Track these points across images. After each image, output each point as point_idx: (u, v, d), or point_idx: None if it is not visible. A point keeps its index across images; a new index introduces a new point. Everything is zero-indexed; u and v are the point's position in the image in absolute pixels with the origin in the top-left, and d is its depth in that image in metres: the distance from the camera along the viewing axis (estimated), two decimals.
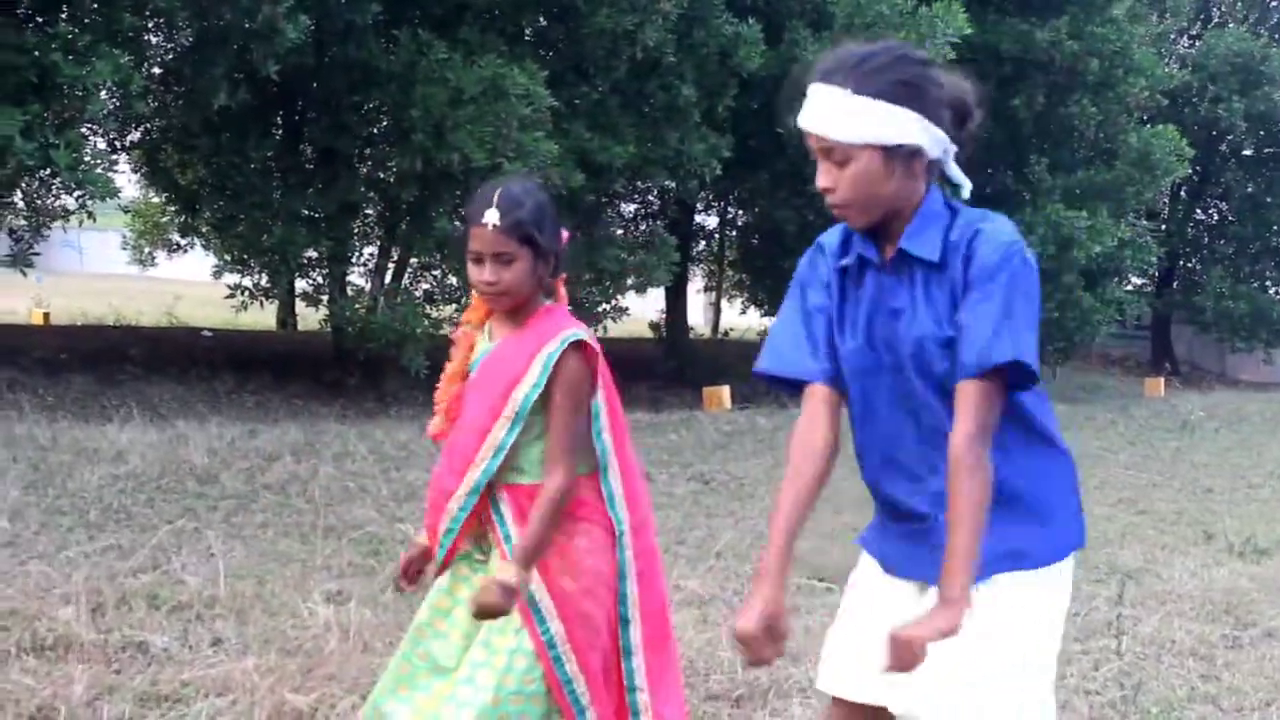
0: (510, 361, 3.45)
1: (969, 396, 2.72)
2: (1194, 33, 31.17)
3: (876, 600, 3.02)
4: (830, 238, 2.98)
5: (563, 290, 3.60)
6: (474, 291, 3.53)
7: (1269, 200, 30.68)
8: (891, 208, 2.81)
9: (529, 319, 3.48)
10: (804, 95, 2.80)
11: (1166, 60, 27.19)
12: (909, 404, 2.87)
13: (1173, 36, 29.11)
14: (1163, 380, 25.88)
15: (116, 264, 36.70)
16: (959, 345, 2.75)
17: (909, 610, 2.84)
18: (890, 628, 2.66)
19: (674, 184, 17.54)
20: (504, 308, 3.48)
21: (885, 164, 2.75)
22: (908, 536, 2.97)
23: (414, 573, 3.67)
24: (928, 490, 2.88)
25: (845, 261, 2.92)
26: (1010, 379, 2.75)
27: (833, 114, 2.74)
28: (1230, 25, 30.24)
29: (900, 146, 2.75)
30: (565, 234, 3.55)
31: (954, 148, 2.87)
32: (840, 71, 2.75)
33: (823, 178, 2.80)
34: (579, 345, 3.43)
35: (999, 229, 2.79)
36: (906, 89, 2.76)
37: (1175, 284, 31.90)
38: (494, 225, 3.37)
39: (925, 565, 2.87)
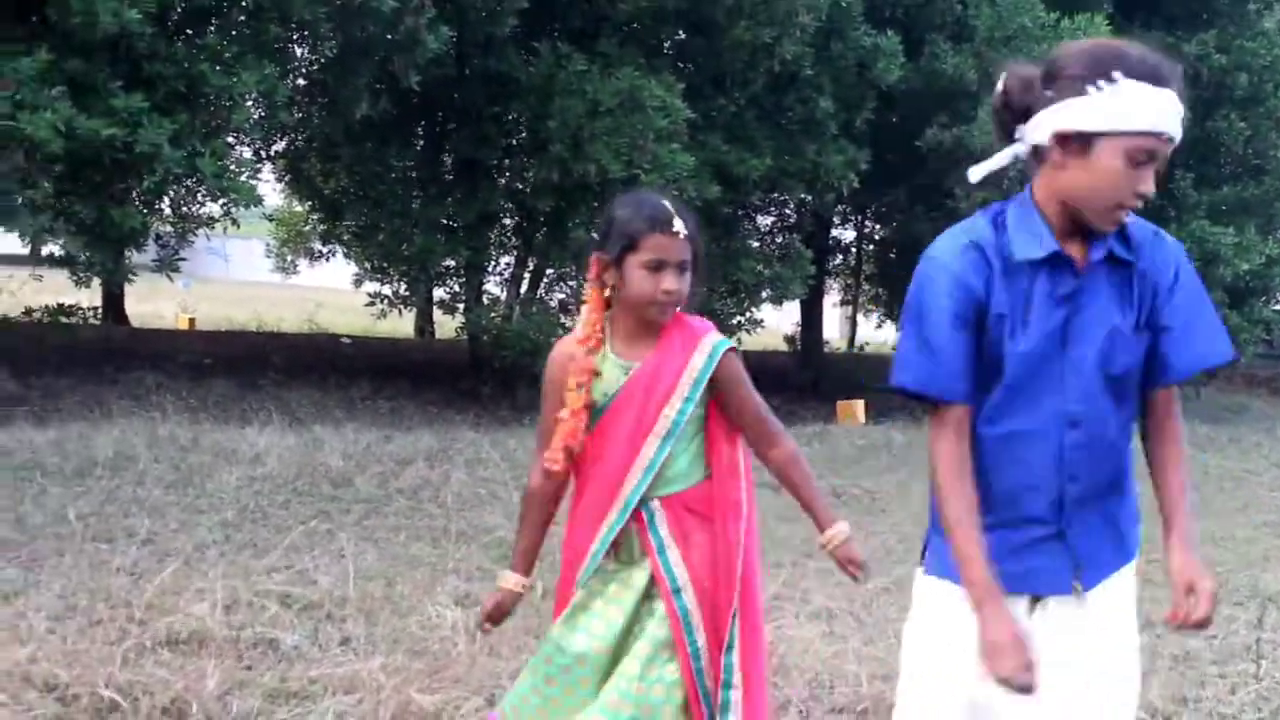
0: (661, 379, 3.43)
1: (1173, 398, 2.95)
2: None
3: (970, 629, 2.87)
4: (980, 235, 2.87)
5: None
6: (589, 310, 3.53)
7: None
8: None
9: (664, 331, 3.47)
10: (1145, 98, 2.71)
11: None
12: (1069, 407, 2.85)
13: None
14: None
15: (260, 271, 37.43)
16: (1172, 346, 2.85)
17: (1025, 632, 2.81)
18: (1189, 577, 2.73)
19: (810, 197, 17.45)
20: (667, 319, 3.46)
21: None
22: (1025, 547, 2.90)
23: (499, 617, 3.71)
24: (1066, 496, 2.87)
25: (1033, 256, 2.82)
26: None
27: (1179, 118, 2.75)
28: None
29: None
30: None
31: None
32: (1175, 76, 2.75)
33: (1151, 184, 2.76)
34: (731, 350, 3.48)
35: (1164, 232, 2.90)
36: None
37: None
38: (684, 233, 3.39)
39: (1046, 577, 2.89)
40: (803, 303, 21.78)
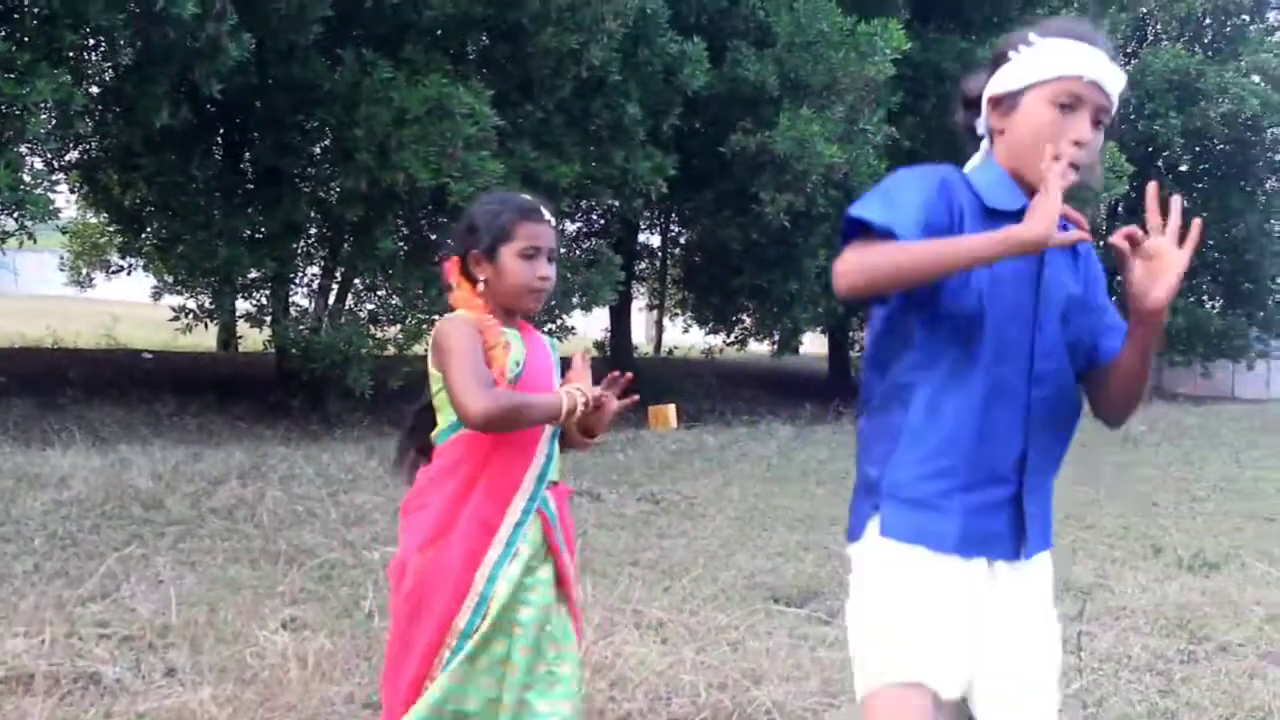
0: (548, 358, 3.59)
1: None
2: (1130, 50, 31.54)
3: (950, 591, 2.85)
4: (950, 176, 2.87)
5: None
6: (469, 297, 3.51)
7: (1204, 216, 30.78)
8: None
9: (521, 323, 3.57)
10: (1064, 50, 2.82)
11: None
12: (1036, 363, 2.88)
13: (1110, 54, 29.37)
14: None
15: (53, 285, 36.30)
16: (1110, 326, 2.98)
17: (983, 597, 2.85)
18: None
19: (619, 203, 17.53)
20: (539, 308, 3.54)
21: None
22: (989, 509, 2.87)
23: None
24: (1029, 456, 2.87)
25: (1006, 207, 2.84)
26: None
27: (1118, 81, 2.86)
28: (1165, 43, 30.64)
29: None
30: None
31: None
32: (1099, 41, 2.86)
33: (1087, 130, 2.81)
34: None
35: None
36: None
37: (1114, 299, 32.15)
38: (552, 221, 3.52)
39: (1002, 542, 2.88)
40: (611, 308, 21.84)
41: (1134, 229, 2.74)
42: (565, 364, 3.63)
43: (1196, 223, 2.67)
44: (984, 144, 2.99)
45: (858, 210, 2.75)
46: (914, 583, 2.86)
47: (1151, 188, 2.73)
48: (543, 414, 3.39)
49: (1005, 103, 2.87)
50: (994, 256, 2.64)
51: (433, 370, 3.42)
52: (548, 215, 3.51)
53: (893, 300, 2.86)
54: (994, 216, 2.82)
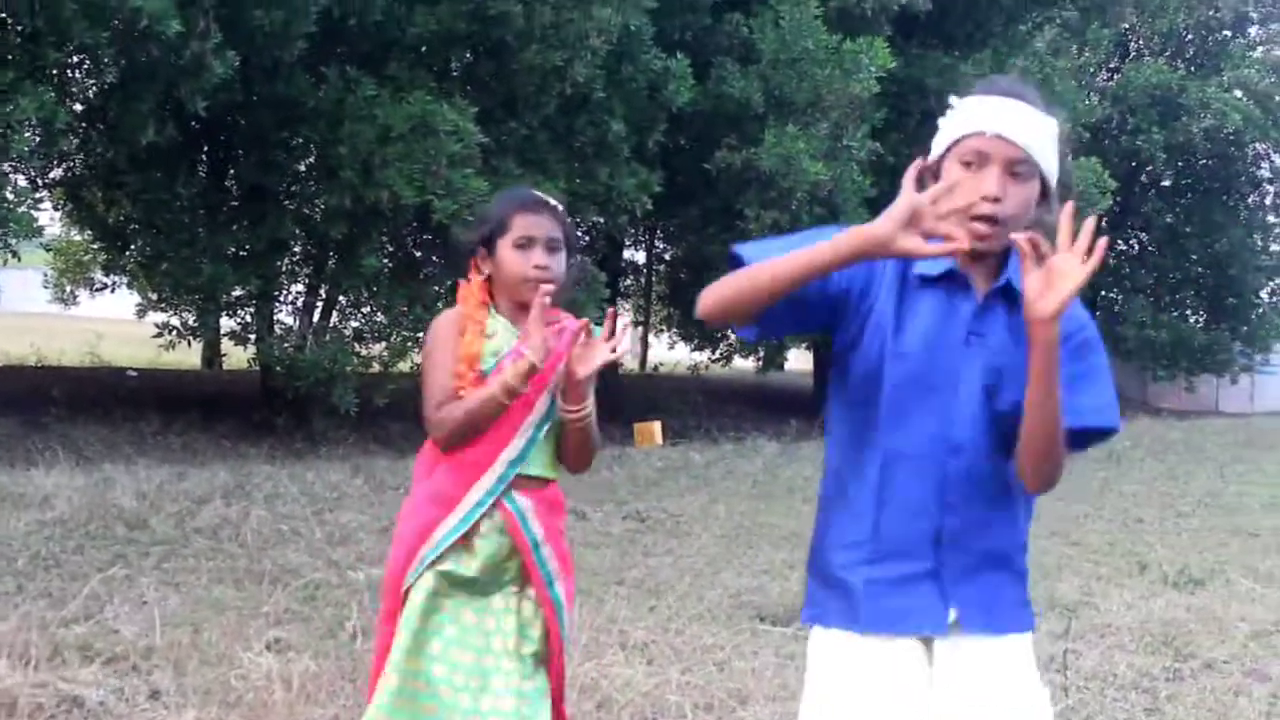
0: (555, 352, 3.50)
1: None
2: (1113, 66, 31.66)
3: (871, 675, 2.80)
4: None
5: None
6: (472, 286, 3.56)
7: (1188, 230, 31.22)
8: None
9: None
10: (970, 106, 2.79)
11: (1087, 93, 27.58)
12: (953, 432, 2.78)
13: (1093, 70, 29.52)
14: None
15: (36, 302, 36.19)
16: (1072, 393, 2.70)
17: (917, 679, 2.78)
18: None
19: (603, 219, 17.53)
20: (555, 300, 3.48)
21: (1039, 198, 2.78)
22: (907, 583, 2.81)
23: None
24: (944, 530, 2.79)
25: (926, 272, 2.80)
26: (1080, 441, 2.78)
27: (1039, 135, 2.75)
28: (1148, 58, 30.76)
29: (1050, 189, 2.80)
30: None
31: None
32: (1026, 94, 2.79)
33: (997, 185, 2.70)
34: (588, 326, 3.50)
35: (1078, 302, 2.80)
36: (1059, 133, 2.83)
37: (1097, 313, 32.27)
38: (550, 206, 3.52)
39: (919, 616, 2.80)
40: (598, 324, 21.81)
41: (1037, 235, 2.64)
42: None
43: (1102, 241, 2.59)
44: None
45: (739, 247, 2.81)
46: (835, 669, 2.83)
47: (1068, 209, 2.64)
48: (484, 408, 3.37)
49: (933, 169, 2.81)
50: (839, 255, 2.59)
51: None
52: (549, 205, 3.53)
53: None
54: (919, 281, 2.81)
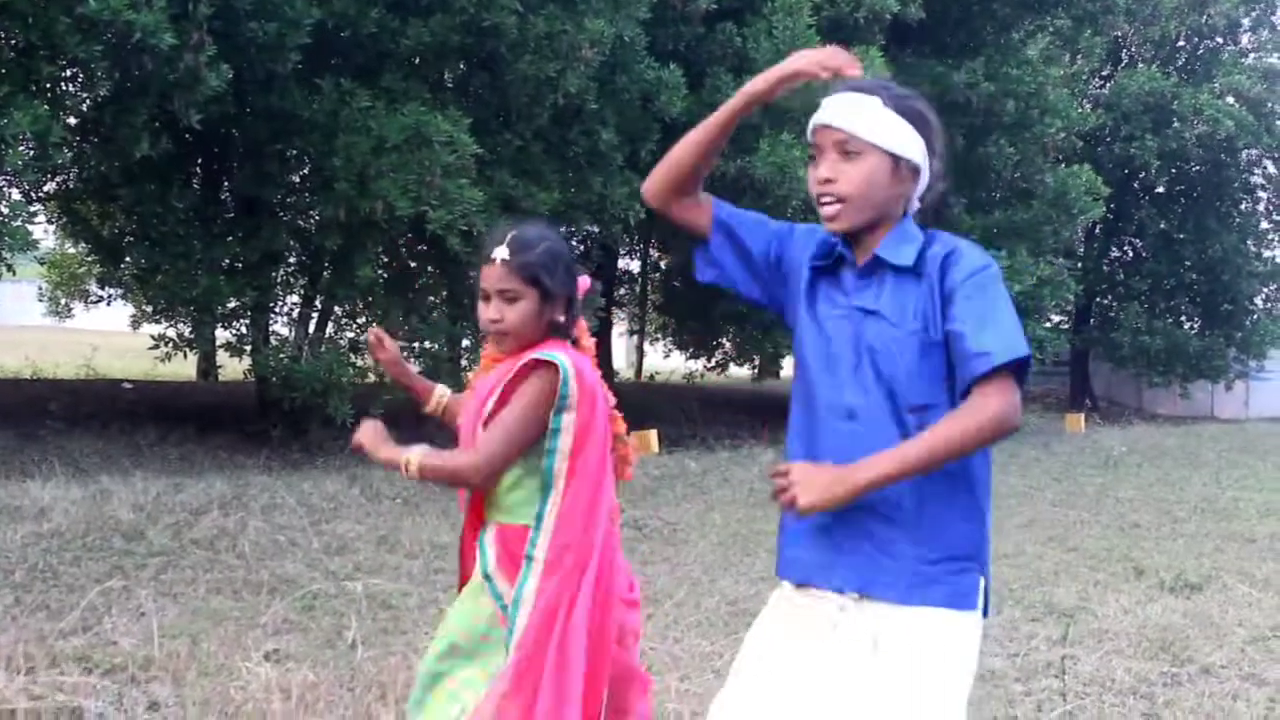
0: (481, 395, 3.59)
1: (982, 394, 2.90)
2: (1106, 73, 31.72)
3: (771, 620, 3.09)
4: (824, 234, 3.17)
5: (586, 337, 3.75)
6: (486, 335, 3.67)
7: (1181, 237, 31.24)
8: (877, 215, 3.05)
9: (515, 355, 3.61)
10: (815, 106, 3.13)
11: (1080, 101, 27.65)
12: (851, 400, 3.00)
13: (1086, 77, 29.56)
14: (1083, 416, 26.17)
15: (31, 315, 36.17)
16: (964, 347, 2.91)
17: (824, 642, 2.98)
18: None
19: (598, 229, 17.54)
20: (508, 349, 3.57)
21: (891, 171, 3.03)
22: (801, 535, 3.05)
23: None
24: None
25: (822, 262, 3.13)
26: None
27: (860, 113, 3.03)
28: (1140, 65, 30.80)
29: (908, 160, 3.04)
30: (585, 282, 3.69)
31: (928, 188, 3.14)
32: (873, 88, 3.07)
33: (826, 169, 3.04)
34: (540, 363, 3.50)
35: (975, 249, 3.03)
36: (922, 119, 3.09)
37: (1092, 321, 32.34)
38: (501, 260, 3.52)
39: (809, 568, 3.04)
40: (591, 334, 21.83)
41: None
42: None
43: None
44: None
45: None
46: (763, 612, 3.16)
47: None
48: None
49: None
50: (744, 98, 3.14)
51: None
52: (496, 254, 3.54)
53: None
54: (818, 268, 3.16)
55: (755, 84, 3.11)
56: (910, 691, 2.88)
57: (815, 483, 2.84)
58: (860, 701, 2.90)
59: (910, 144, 3.04)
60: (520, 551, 3.51)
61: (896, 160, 3.03)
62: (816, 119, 3.09)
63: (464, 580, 3.67)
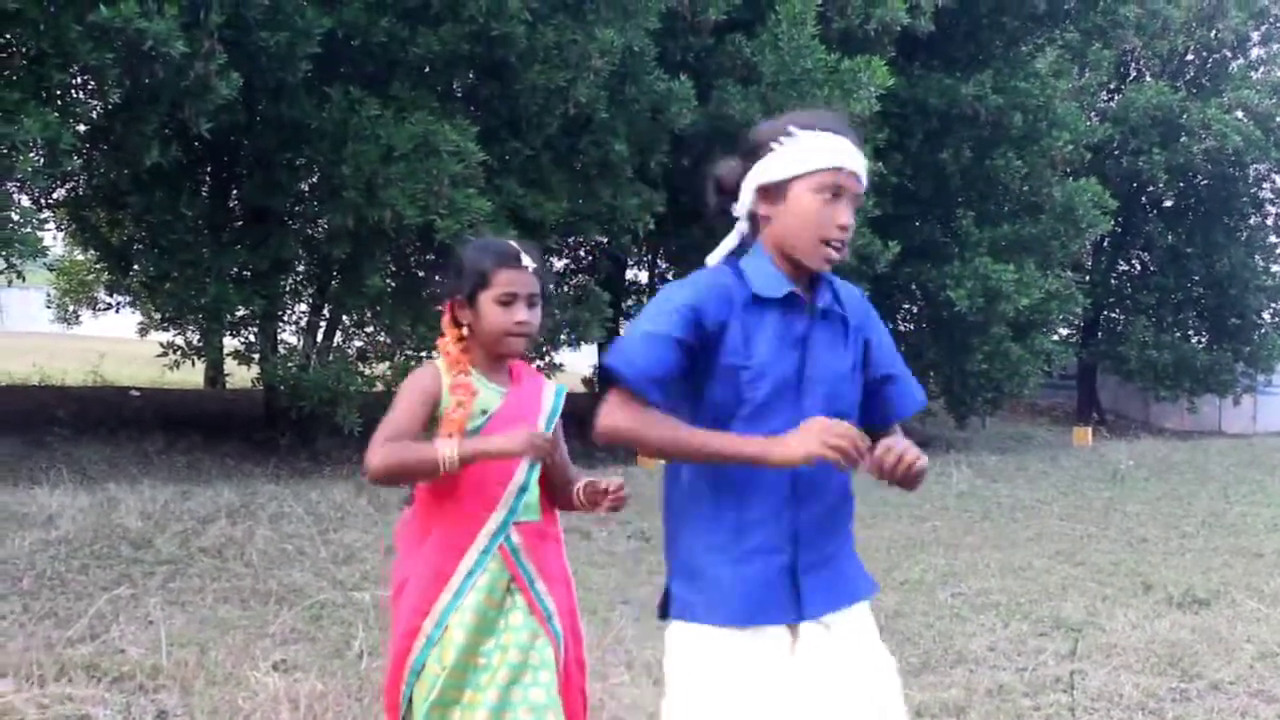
0: (530, 402, 3.64)
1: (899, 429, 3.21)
2: (1114, 87, 31.69)
3: (746, 668, 3.00)
4: (723, 277, 3.11)
5: None
6: (448, 343, 3.62)
7: (1189, 251, 31.19)
8: None
9: (513, 366, 3.68)
10: (824, 142, 3.09)
11: (1088, 114, 27.63)
12: None
13: (1094, 91, 29.53)
14: (1090, 430, 26.12)
15: (39, 322, 36.17)
16: (897, 388, 3.23)
17: (783, 666, 2.99)
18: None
19: (607, 239, 17.54)
20: (520, 352, 3.63)
21: None
22: (765, 580, 3.03)
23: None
24: (800, 526, 3.05)
25: (771, 294, 3.07)
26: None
27: (858, 159, 3.12)
28: (1149, 79, 30.78)
29: None
30: None
31: None
32: (847, 129, 3.13)
33: (850, 217, 3.08)
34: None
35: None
36: None
37: (1100, 334, 32.28)
38: (532, 268, 3.59)
39: (777, 610, 3.03)
40: (600, 345, 21.83)
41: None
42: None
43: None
44: (740, 226, 3.20)
45: (623, 365, 2.96)
46: (710, 665, 3.00)
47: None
48: (422, 467, 3.42)
49: (772, 191, 3.10)
50: (751, 461, 2.92)
51: None
52: (526, 261, 3.59)
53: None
54: (760, 302, 3.07)
55: (771, 455, 2.90)
56: None
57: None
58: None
59: None
60: (542, 541, 3.62)
61: None
62: (848, 164, 3.09)
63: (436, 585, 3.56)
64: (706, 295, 3.03)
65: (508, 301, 3.55)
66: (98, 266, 21.39)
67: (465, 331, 3.62)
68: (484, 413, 3.54)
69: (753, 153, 3.15)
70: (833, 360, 3.11)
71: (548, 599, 3.59)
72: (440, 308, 3.68)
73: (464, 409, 3.51)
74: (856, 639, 3.09)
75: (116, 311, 19.88)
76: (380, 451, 3.39)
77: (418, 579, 3.52)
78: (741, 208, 3.17)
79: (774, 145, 3.09)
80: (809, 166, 3.04)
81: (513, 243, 3.64)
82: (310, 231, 15.99)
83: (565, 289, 19.74)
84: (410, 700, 3.50)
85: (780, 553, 3.02)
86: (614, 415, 2.95)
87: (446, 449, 3.38)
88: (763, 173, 3.10)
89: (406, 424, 3.46)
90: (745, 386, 3.02)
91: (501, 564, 3.53)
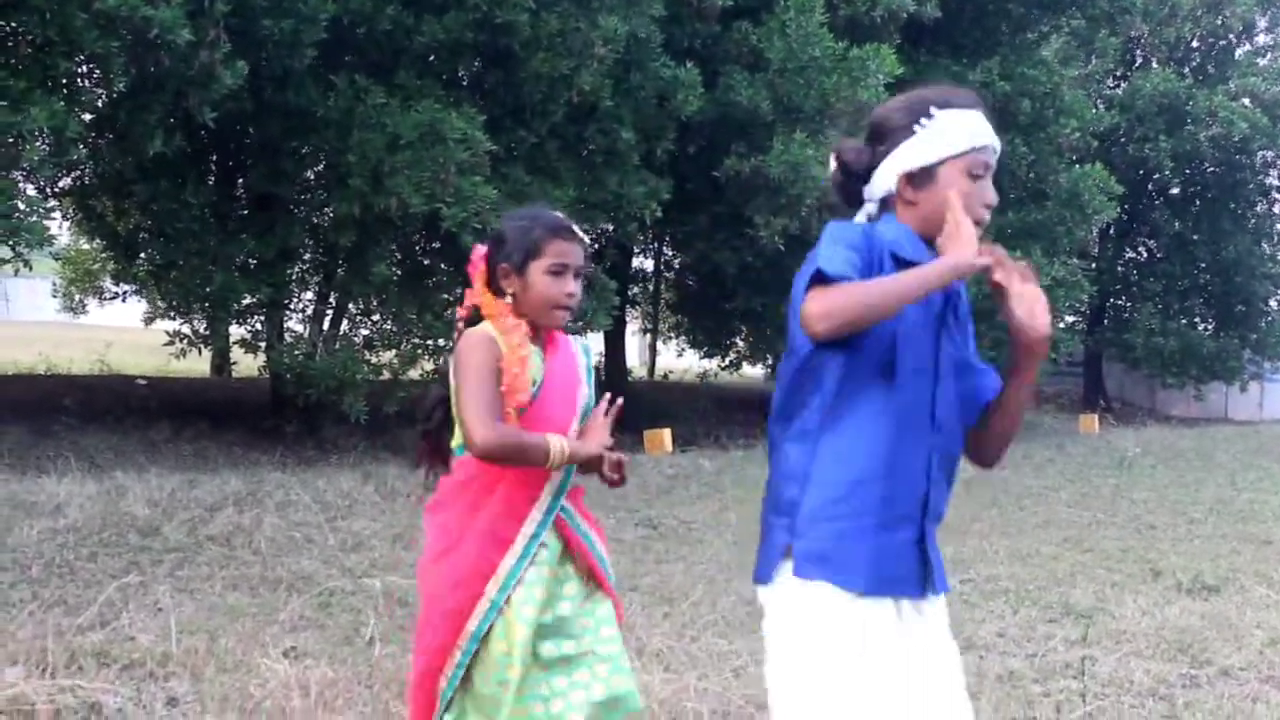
0: (570, 367, 3.66)
1: None
2: (1120, 74, 31.65)
3: (873, 636, 2.93)
4: (868, 227, 3.06)
5: None
6: (500, 310, 3.55)
7: (1196, 238, 31.17)
8: None
9: (548, 336, 3.64)
10: (970, 121, 3.03)
11: (1095, 101, 27.59)
12: (936, 410, 3.01)
13: (1100, 78, 29.51)
14: (1096, 417, 26.10)
15: (45, 311, 36.22)
16: (985, 383, 3.14)
17: (896, 640, 2.94)
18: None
19: (613, 227, 17.52)
20: (562, 324, 3.62)
21: None
22: (903, 551, 2.99)
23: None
24: (930, 500, 3.01)
25: (922, 258, 2.96)
26: None
27: (992, 131, 3.06)
28: (1155, 66, 30.73)
29: None
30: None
31: None
32: (976, 101, 3.08)
33: (994, 194, 3.04)
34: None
35: None
36: None
37: (1106, 322, 32.26)
38: (584, 240, 3.62)
39: (911, 582, 3.00)
40: (606, 332, 21.82)
41: (997, 281, 2.95)
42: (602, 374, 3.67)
43: (1026, 262, 2.97)
44: (869, 208, 3.14)
45: (824, 264, 2.88)
46: (835, 626, 2.91)
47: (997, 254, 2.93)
48: (533, 454, 3.40)
49: (920, 176, 3.01)
50: (938, 282, 2.86)
51: (453, 382, 3.48)
52: (578, 233, 3.59)
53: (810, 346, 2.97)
54: (901, 265, 2.96)
55: (961, 266, 2.86)
56: None
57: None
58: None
59: None
60: (579, 496, 3.66)
61: None
62: (993, 142, 3.04)
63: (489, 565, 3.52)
64: (863, 243, 2.98)
65: (559, 272, 3.52)
66: (104, 255, 21.40)
67: (509, 300, 3.56)
68: (535, 382, 3.52)
69: (889, 136, 3.06)
70: (958, 336, 3.11)
71: (607, 559, 3.65)
72: (470, 268, 3.65)
73: (521, 379, 3.47)
74: (942, 627, 3.07)
75: (123, 300, 19.87)
76: (495, 430, 3.33)
77: (476, 540, 3.46)
78: (877, 191, 3.10)
79: (915, 128, 3.01)
80: (958, 148, 2.98)
81: (561, 214, 3.64)
82: (316, 220, 15.98)
83: None
84: (467, 669, 3.46)
85: (914, 524, 2.98)
86: (824, 298, 2.82)
87: (558, 444, 3.39)
88: (908, 158, 3.02)
89: (493, 397, 3.39)
90: (889, 355, 2.95)
91: (556, 532, 3.54)
